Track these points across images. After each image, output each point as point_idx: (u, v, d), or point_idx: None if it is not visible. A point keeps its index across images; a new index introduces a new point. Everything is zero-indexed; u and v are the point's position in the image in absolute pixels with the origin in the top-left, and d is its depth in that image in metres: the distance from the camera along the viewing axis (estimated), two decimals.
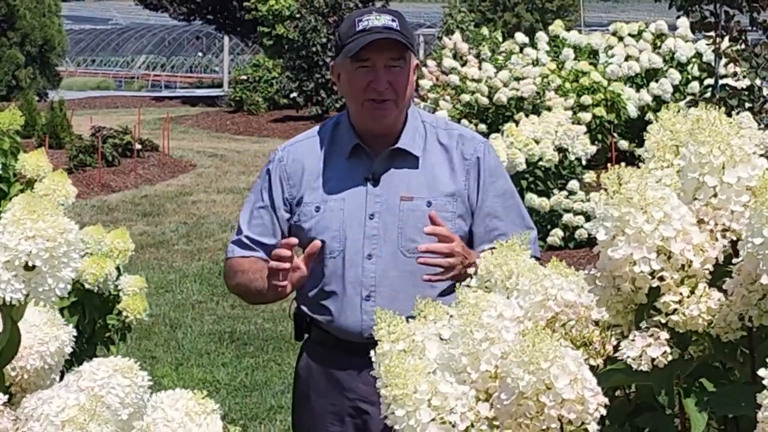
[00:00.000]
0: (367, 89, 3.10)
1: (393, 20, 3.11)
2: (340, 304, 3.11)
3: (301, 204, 3.19)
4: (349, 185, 3.16)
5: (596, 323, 1.90)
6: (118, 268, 4.55)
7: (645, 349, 1.78)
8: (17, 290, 1.78)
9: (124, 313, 4.59)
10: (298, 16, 24.77)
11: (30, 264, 1.78)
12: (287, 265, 2.97)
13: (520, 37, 15.11)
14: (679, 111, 2.05)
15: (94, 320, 4.54)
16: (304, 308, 3.25)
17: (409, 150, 3.17)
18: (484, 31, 15.67)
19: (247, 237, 3.24)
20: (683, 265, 1.80)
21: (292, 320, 3.33)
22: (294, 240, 3.00)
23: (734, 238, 1.82)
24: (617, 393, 1.98)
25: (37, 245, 1.78)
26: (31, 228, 1.79)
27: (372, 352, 1.87)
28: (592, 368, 1.82)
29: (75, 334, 2.11)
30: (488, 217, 3.17)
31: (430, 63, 14.30)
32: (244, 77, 27.63)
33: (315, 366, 3.26)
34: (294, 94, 25.46)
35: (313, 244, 3.03)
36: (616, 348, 1.86)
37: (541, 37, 15.18)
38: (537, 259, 3.01)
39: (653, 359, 1.78)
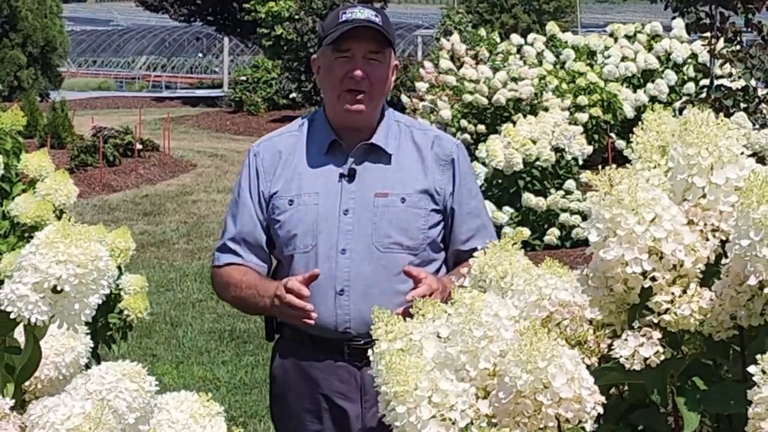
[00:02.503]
0: (344, 79, 3.14)
1: (376, 15, 3.17)
2: (314, 299, 3.08)
3: (274, 197, 3.20)
4: (323, 181, 3.18)
5: (590, 322, 1.91)
6: (119, 267, 4.56)
7: (638, 348, 1.80)
8: (43, 312, 1.78)
9: (126, 312, 4.60)
10: (296, 17, 24.77)
11: (58, 288, 1.78)
12: (311, 306, 2.99)
13: (516, 38, 15.13)
14: (665, 109, 2.06)
15: (95, 319, 4.54)
16: None
17: (383, 146, 3.21)
18: (482, 32, 15.67)
19: (231, 240, 3.26)
20: (675, 266, 1.81)
21: (263, 320, 3.33)
22: (306, 292, 3.01)
23: (723, 238, 1.84)
24: (611, 391, 1.99)
25: (67, 270, 1.77)
26: (64, 252, 1.78)
27: (370, 351, 1.89)
28: (587, 368, 1.84)
29: (92, 345, 2.12)
30: (469, 216, 3.23)
31: (428, 64, 14.30)
32: (244, 78, 27.64)
33: (290, 366, 3.25)
34: (293, 95, 25.47)
35: (313, 272, 3.04)
36: (609, 347, 1.87)
37: (539, 38, 15.21)
38: None
39: (646, 358, 1.79)
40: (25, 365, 1.88)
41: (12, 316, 1.78)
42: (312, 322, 3.00)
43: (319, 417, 3.19)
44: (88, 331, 2.12)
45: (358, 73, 3.13)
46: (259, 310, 3.22)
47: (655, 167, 1.96)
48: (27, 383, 1.99)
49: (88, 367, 2.02)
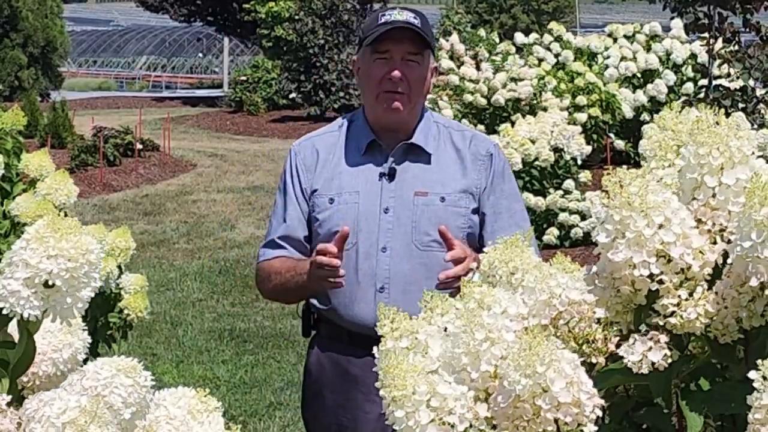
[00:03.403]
0: (383, 80, 3.19)
1: (415, 17, 3.21)
2: (354, 296, 3.15)
3: (315, 195, 3.26)
4: (363, 180, 3.23)
5: (598, 321, 1.90)
6: (119, 267, 4.57)
7: (646, 353, 1.79)
8: (35, 307, 1.77)
9: (126, 311, 4.61)
10: (296, 18, 24.79)
11: (50, 282, 1.77)
12: (338, 261, 3.01)
13: (520, 37, 15.15)
14: (681, 110, 2.06)
15: (96, 318, 4.56)
16: (314, 301, 3.28)
17: (422, 146, 3.25)
18: (481, 32, 15.68)
19: (277, 236, 3.30)
20: (682, 269, 1.80)
21: (300, 317, 3.37)
22: (333, 249, 3.03)
23: (731, 239, 1.82)
24: (617, 389, 1.99)
25: (58, 265, 1.76)
26: (54, 247, 1.77)
27: (375, 349, 1.90)
28: (593, 366, 1.83)
29: (89, 341, 2.11)
30: (501, 215, 3.26)
31: None
32: (244, 78, 27.69)
33: (327, 361, 3.29)
34: (293, 95, 25.50)
35: (344, 229, 3.07)
36: (618, 345, 1.87)
37: (546, 38, 15.22)
38: None
39: (653, 363, 1.79)
40: (19, 360, 1.87)
41: (4, 311, 1.78)
42: (341, 280, 3.02)
43: (355, 413, 3.22)
44: (85, 327, 2.12)
45: (396, 74, 3.17)
46: (299, 289, 3.23)
47: (669, 166, 1.95)
48: (25, 379, 1.99)
49: (83, 360, 2.03)
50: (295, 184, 3.29)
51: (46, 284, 1.78)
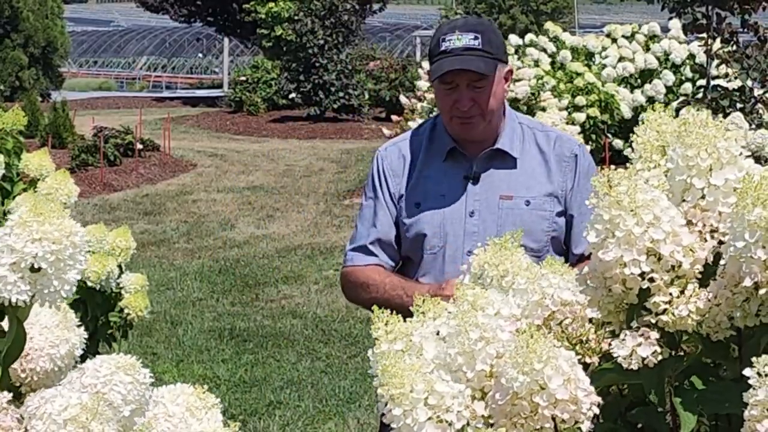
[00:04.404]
0: (452, 108, 3.18)
1: (475, 38, 3.14)
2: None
3: (401, 200, 3.27)
4: (449, 184, 3.24)
5: (591, 321, 1.91)
6: (119, 266, 4.58)
7: (635, 348, 1.80)
8: (23, 292, 1.77)
9: (126, 311, 4.62)
10: (296, 18, 24.82)
11: (36, 266, 1.78)
12: None
13: (514, 39, 15.16)
14: (665, 109, 2.06)
15: (96, 317, 4.57)
16: None
17: (508, 151, 3.25)
18: None
19: (368, 241, 3.30)
20: (673, 267, 1.81)
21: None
22: None
23: (722, 239, 1.83)
24: (611, 389, 2.00)
25: (43, 248, 1.77)
26: (38, 230, 1.78)
27: (370, 352, 1.91)
28: (587, 366, 1.84)
29: (86, 336, 2.12)
30: (581, 217, 3.22)
31: (426, 65, 14.33)
32: (244, 78, 27.69)
33: None
34: (292, 95, 25.51)
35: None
36: (611, 344, 1.89)
37: (542, 39, 15.23)
38: None
39: (643, 358, 1.79)
40: (10, 348, 1.88)
41: None
42: None
43: None
44: (80, 323, 2.13)
45: (464, 103, 3.16)
46: (404, 311, 3.24)
47: (655, 167, 1.96)
48: (23, 376, 2.00)
49: (83, 359, 2.04)
50: (383, 188, 3.30)
51: (32, 269, 1.78)
